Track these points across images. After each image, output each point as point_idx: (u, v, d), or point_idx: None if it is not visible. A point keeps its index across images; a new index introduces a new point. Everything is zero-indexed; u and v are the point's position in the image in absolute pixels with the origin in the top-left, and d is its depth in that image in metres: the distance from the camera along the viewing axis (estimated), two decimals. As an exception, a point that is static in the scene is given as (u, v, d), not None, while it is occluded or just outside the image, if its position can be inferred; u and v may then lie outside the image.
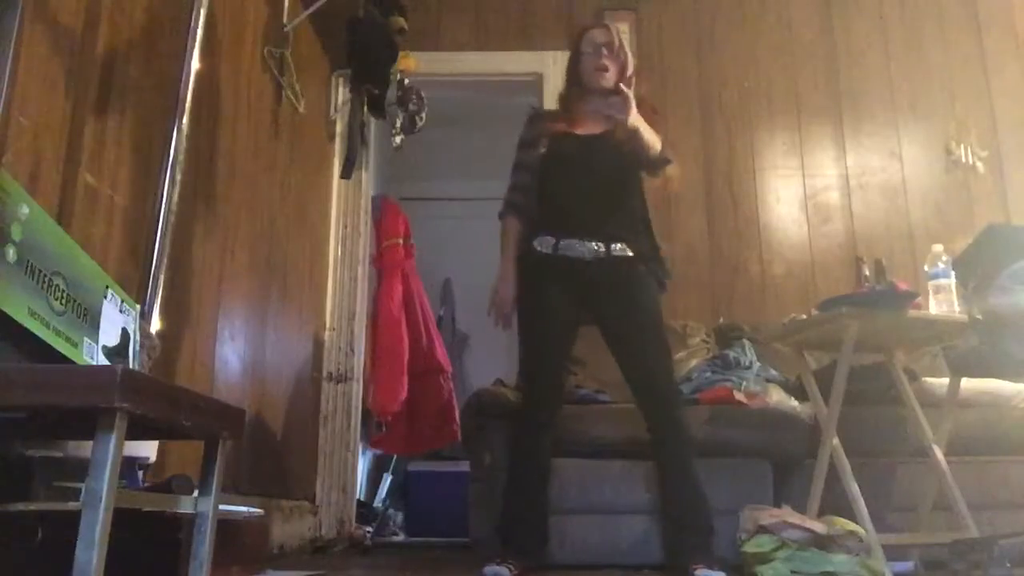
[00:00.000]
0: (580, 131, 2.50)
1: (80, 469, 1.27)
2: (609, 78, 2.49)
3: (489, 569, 2.17)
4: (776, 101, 4.00)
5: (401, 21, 3.46)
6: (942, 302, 2.36)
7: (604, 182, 2.44)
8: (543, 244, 2.43)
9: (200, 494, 1.30)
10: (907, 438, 2.55)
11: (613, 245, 2.39)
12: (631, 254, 2.40)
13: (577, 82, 2.57)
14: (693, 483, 2.28)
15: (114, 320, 1.46)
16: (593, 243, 2.39)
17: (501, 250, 2.53)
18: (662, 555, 2.46)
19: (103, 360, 1.39)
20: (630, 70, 2.52)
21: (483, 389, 2.85)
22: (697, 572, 2.09)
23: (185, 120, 1.95)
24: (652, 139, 2.38)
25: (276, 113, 3.00)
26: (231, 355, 2.55)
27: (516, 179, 2.57)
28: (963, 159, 3.88)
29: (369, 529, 3.73)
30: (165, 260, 1.90)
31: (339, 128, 3.77)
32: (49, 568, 1.22)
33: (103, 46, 1.80)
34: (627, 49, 2.55)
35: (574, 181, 2.45)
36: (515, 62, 4.05)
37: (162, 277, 1.89)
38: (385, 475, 4.72)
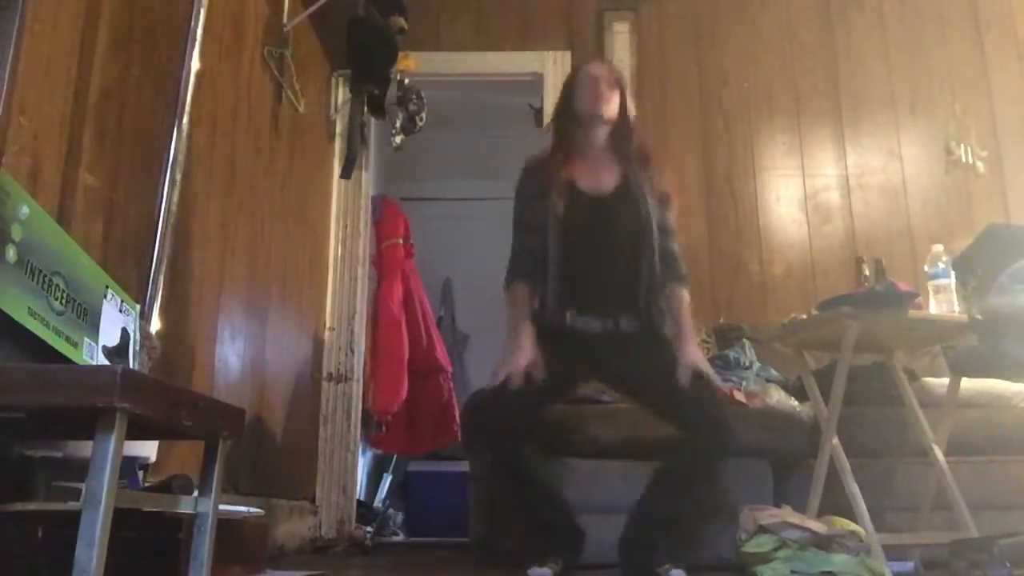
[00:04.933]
0: (588, 183, 2.33)
1: (80, 469, 1.27)
2: (609, 109, 2.35)
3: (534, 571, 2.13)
4: (776, 101, 4.00)
5: (401, 21, 3.46)
6: (942, 302, 2.36)
7: (620, 249, 2.28)
8: (555, 320, 2.27)
9: (200, 494, 1.30)
10: (907, 438, 2.55)
11: (622, 320, 2.26)
12: (638, 330, 2.25)
13: (571, 114, 2.39)
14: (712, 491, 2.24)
15: (114, 320, 1.46)
16: (603, 319, 2.26)
17: (509, 319, 2.30)
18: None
19: (103, 360, 1.39)
20: (631, 104, 2.41)
21: (483, 389, 2.85)
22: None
23: (185, 120, 1.96)
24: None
25: (276, 113, 3.00)
26: (231, 355, 2.55)
27: (520, 241, 2.37)
28: (963, 159, 3.88)
29: (369, 529, 3.73)
30: (165, 260, 1.90)
31: (339, 128, 3.77)
32: (49, 568, 1.22)
33: (103, 46, 1.80)
34: (626, 83, 2.43)
35: (588, 251, 2.28)
36: (515, 62, 4.05)
37: (162, 277, 1.89)
38: (385, 475, 4.71)
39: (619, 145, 2.40)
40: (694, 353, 2.24)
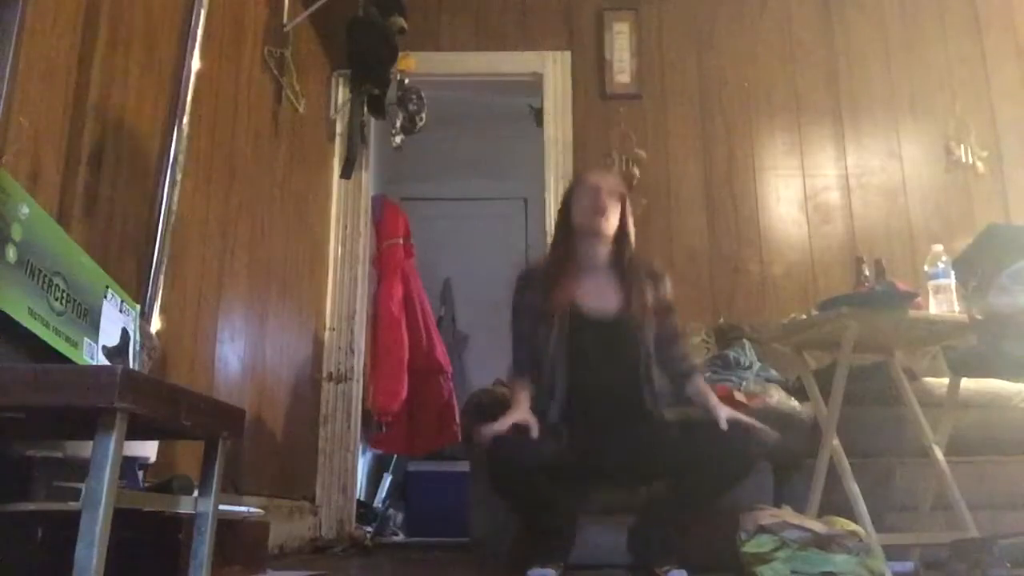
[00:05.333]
0: (591, 305, 2.30)
1: (80, 469, 1.27)
2: (608, 224, 2.30)
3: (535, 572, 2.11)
4: (776, 101, 4.00)
5: (401, 21, 3.46)
6: (942, 302, 2.36)
7: (621, 373, 2.26)
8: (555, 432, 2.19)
9: (200, 494, 1.29)
10: (907, 438, 2.55)
11: (628, 439, 2.21)
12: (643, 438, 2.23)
13: (570, 227, 2.35)
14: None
15: (114, 320, 1.46)
16: (609, 440, 2.21)
17: (512, 404, 2.25)
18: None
19: (103, 360, 1.39)
20: (631, 218, 2.35)
21: (483, 389, 2.85)
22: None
23: (185, 120, 1.96)
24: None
25: (276, 113, 3.00)
26: (231, 355, 2.55)
27: (520, 352, 2.33)
28: (963, 159, 3.88)
29: (369, 529, 3.73)
30: (165, 260, 1.90)
31: (339, 128, 3.77)
32: (49, 568, 1.22)
33: (103, 46, 1.80)
34: (627, 196, 2.38)
35: (592, 374, 2.25)
36: (515, 62, 4.05)
37: (162, 277, 1.89)
38: (385, 475, 4.72)
39: (620, 261, 2.35)
40: (726, 408, 2.23)
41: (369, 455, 4.60)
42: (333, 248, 3.75)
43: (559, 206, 2.45)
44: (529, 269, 2.44)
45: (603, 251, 2.35)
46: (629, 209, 2.37)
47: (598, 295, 2.32)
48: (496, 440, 2.09)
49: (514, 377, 2.32)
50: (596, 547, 2.52)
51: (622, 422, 2.24)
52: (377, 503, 4.54)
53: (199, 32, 2.01)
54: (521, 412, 2.17)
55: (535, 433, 2.09)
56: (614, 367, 2.27)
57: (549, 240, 2.49)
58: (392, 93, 3.63)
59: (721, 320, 3.59)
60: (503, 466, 2.12)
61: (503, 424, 2.11)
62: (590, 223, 2.30)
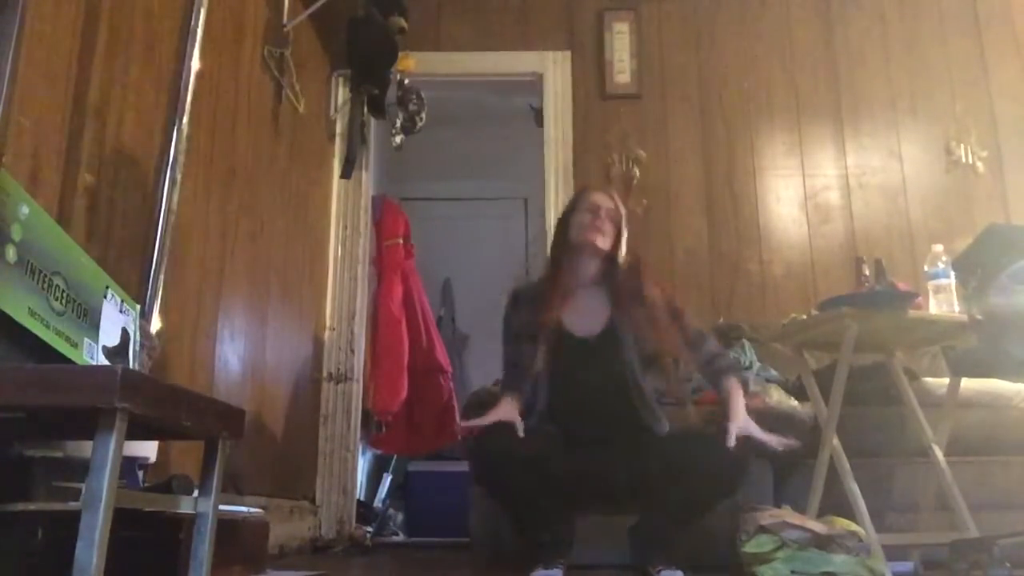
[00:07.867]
0: (577, 326, 2.31)
1: (80, 469, 1.27)
2: (604, 241, 2.31)
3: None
4: (776, 101, 4.00)
5: (401, 21, 3.46)
6: (942, 302, 2.36)
7: (612, 388, 2.27)
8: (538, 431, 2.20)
9: (200, 494, 1.30)
10: (907, 438, 2.55)
11: (618, 441, 2.23)
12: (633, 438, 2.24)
13: (566, 243, 2.36)
14: None
15: (114, 320, 1.46)
16: (603, 459, 2.22)
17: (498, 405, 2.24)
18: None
19: (103, 360, 1.39)
20: (624, 243, 2.35)
21: (483, 389, 2.85)
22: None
23: (185, 120, 1.96)
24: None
25: (276, 113, 3.00)
26: (231, 355, 2.55)
27: (510, 375, 2.34)
28: (963, 159, 3.88)
29: (369, 529, 3.73)
30: (165, 260, 1.90)
31: (339, 128, 3.77)
32: (49, 568, 1.22)
33: (103, 46, 1.80)
34: (624, 220, 2.37)
35: (579, 394, 2.26)
36: (515, 62, 4.05)
37: (162, 277, 1.89)
38: (385, 475, 4.71)
39: (609, 280, 2.36)
40: (742, 420, 2.16)
41: (369, 455, 4.59)
42: (333, 248, 3.75)
43: (558, 219, 2.46)
44: (520, 287, 2.47)
45: (594, 268, 2.36)
46: (625, 231, 2.37)
47: (584, 314, 2.33)
48: (480, 434, 2.14)
49: (502, 393, 2.32)
50: (596, 547, 2.52)
51: (616, 440, 2.24)
52: (377, 503, 4.53)
53: (199, 32, 2.01)
54: (506, 411, 2.18)
55: (520, 432, 2.10)
56: (601, 385, 2.27)
57: (549, 242, 2.49)
58: (392, 93, 3.63)
59: (721, 320, 3.59)
60: (486, 458, 2.15)
61: (486, 419, 2.13)
62: (586, 240, 2.31)
